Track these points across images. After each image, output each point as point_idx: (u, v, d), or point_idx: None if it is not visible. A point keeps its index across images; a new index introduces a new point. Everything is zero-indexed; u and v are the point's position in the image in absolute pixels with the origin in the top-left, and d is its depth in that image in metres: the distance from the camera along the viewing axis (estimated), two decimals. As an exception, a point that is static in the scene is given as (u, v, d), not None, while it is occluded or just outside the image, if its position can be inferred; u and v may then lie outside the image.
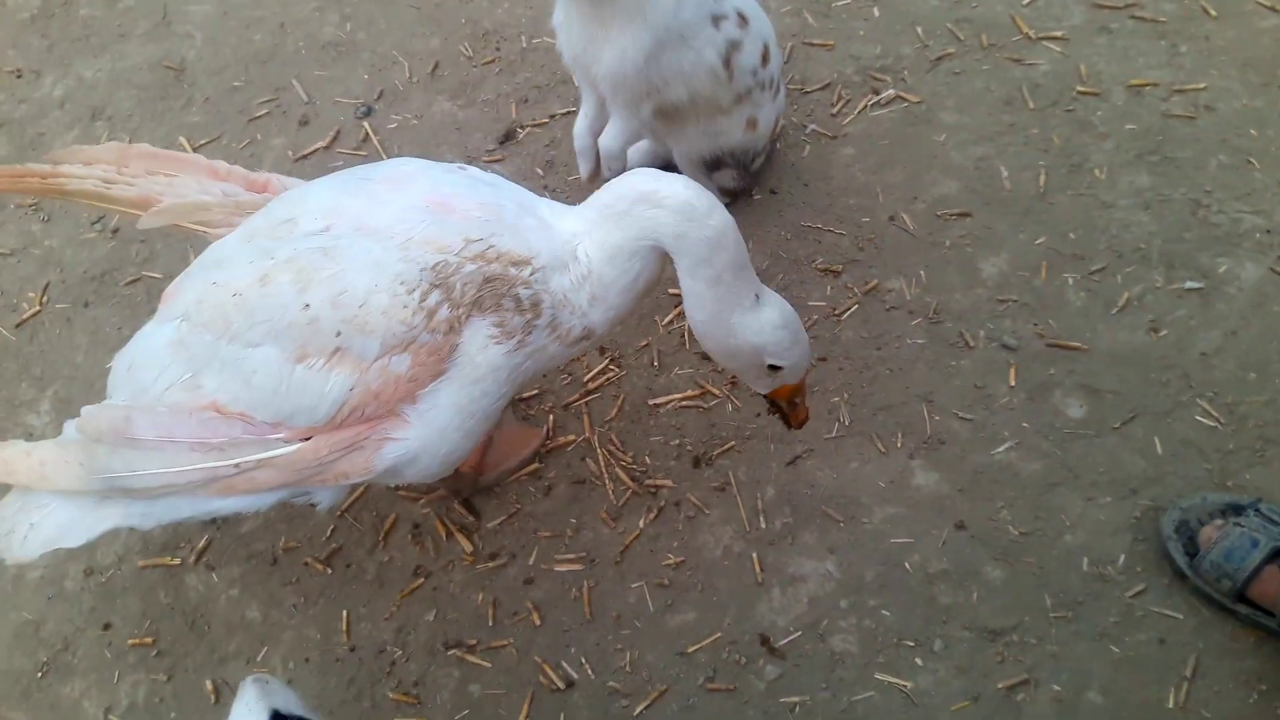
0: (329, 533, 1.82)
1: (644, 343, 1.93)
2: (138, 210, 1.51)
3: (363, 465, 1.34)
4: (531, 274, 1.30)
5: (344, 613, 1.74)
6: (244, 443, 1.32)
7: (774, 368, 1.39)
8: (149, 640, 1.76)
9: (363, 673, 1.70)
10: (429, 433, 1.34)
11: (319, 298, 1.26)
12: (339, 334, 1.26)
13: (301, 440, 1.33)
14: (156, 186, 1.53)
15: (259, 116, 2.38)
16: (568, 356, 1.41)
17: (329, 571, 1.79)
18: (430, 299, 1.26)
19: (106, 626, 1.78)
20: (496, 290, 1.28)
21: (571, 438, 1.86)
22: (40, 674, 1.76)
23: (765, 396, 1.50)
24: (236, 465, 1.32)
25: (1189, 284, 1.86)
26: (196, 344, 1.33)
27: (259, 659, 1.73)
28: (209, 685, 1.71)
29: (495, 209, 1.32)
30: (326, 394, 1.28)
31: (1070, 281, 1.89)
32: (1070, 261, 1.92)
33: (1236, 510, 1.60)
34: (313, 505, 1.44)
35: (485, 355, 1.30)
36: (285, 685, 1.29)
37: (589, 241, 1.34)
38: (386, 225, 1.30)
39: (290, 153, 2.29)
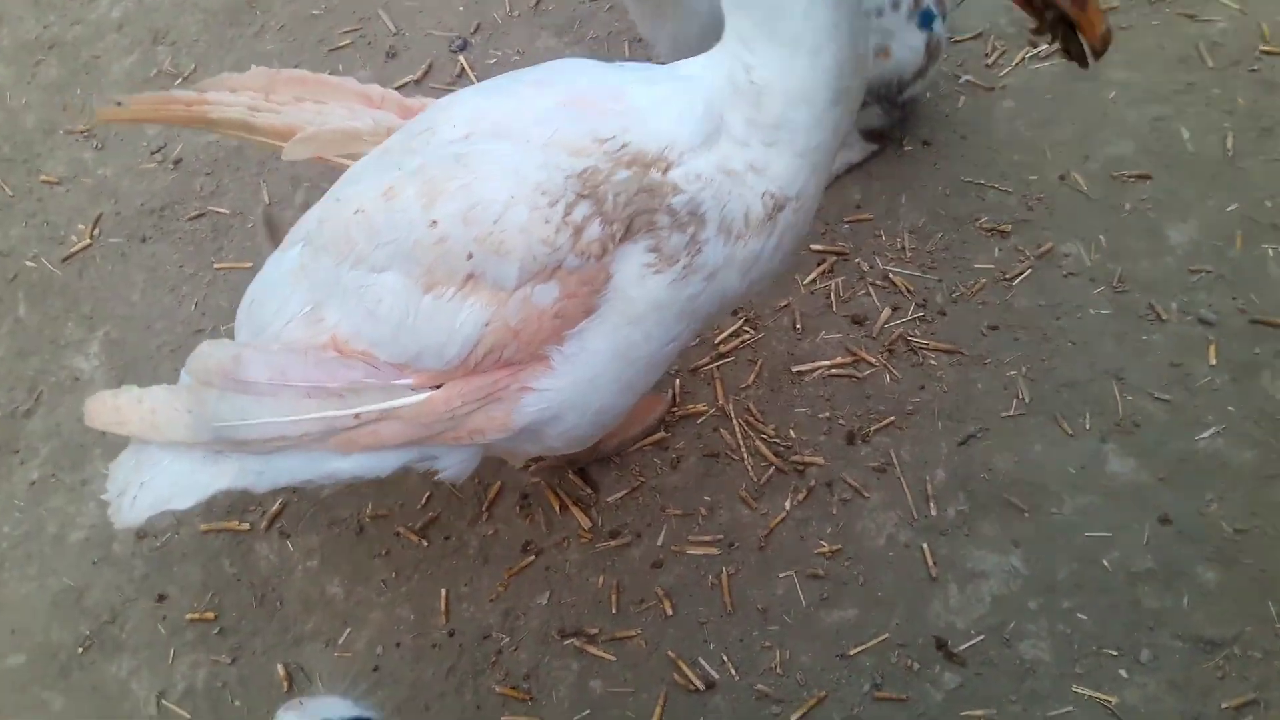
0: (424, 500, 1.59)
1: (783, 303, 1.71)
2: (282, 141, 1.33)
3: (500, 420, 1.15)
4: (675, 173, 1.06)
5: (442, 591, 1.51)
6: (366, 389, 1.14)
7: None
8: (211, 615, 1.53)
9: (464, 661, 1.46)
10: (578, 382, 1.13)
11: (448, 213, 1.07)
12: (471, 256, 1.07)
13: (431, 389, 1.14)
14: (304, 114, 1.35)
15: (341, 47, 2.17)
16: (777, 257, 1.15)
17: (425, 544, 1.56)
18: (577, 212, 1.05)
19: (161, 598, 1.55)
20: (647, 205, 1.06)
21: (703, 407, 1.63)
22: (81, 649, 1.52)
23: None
24: (357, 416, 1.14)
25: None
26: (317, 270, 1.17)
27: (340, 641, 1.49)
28: (280, 670, 1.47)
29: (625, 98, 1.10)
30: (457, 330, 1.09)
31: (1271, 253, 1.68)
32: (1269, 231, 1.71)
33: None
34: (435, 474, 1.24)
35: (643, 289, 1.09)
36: (321, 691, 1.11)
37: (735, 66, 1.04)
38: (525, 128, 1.10)
39: (377, 85, 2.09)
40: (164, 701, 1.47)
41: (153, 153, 2.03)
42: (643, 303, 1.10)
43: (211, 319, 1.81)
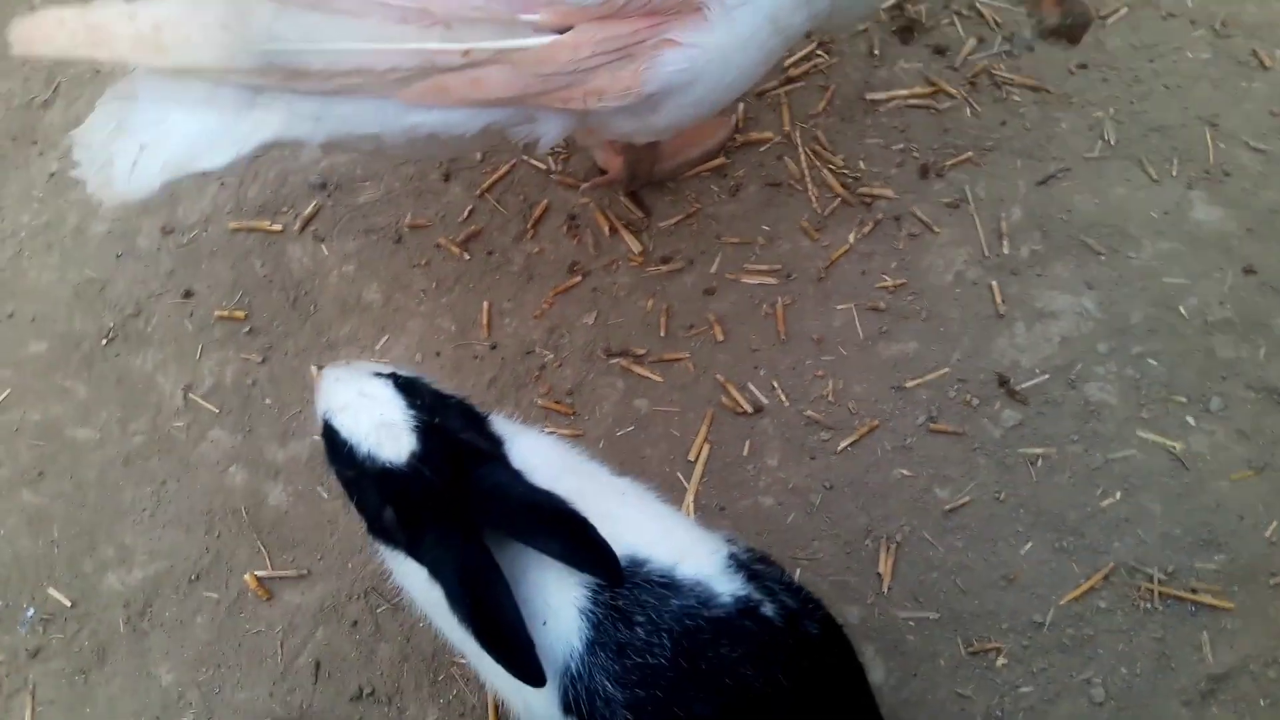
0: (466, 214, 1.52)
1: (862, 28, 1.62)
2: None
3: (626, 81, 1.03)
4: None
5: (485, 304, 1.47)
6: (482, 19, 0.97)
7: None
8: (240, 314, 1.49)
9: (506, 373, 1.44)
10: (728, 41, 1.03)
11: None
12: None
13: (559, 31, 1.00)
14: None
15: None
16: None
17: (466, 257, 1.50)
18: None
19: (188, 294, 1.51)
20: None
21: (767, 135, 1.55)
22: (105, 340, 1.49)
23: None
24: (466, 53, 0.98)
25: None
26: None
27: (377, 348, 1.46)
28: (314, 371, 1.44)
29: None
30: None
31: (1394, 7, 1.60)
32: (1393, -15, 1.61)
33: None
34: (549, 166, 1.12)
35: None
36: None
37: None
38: None
39: None
40: (191, 395, 1.45)
41: None
42: None
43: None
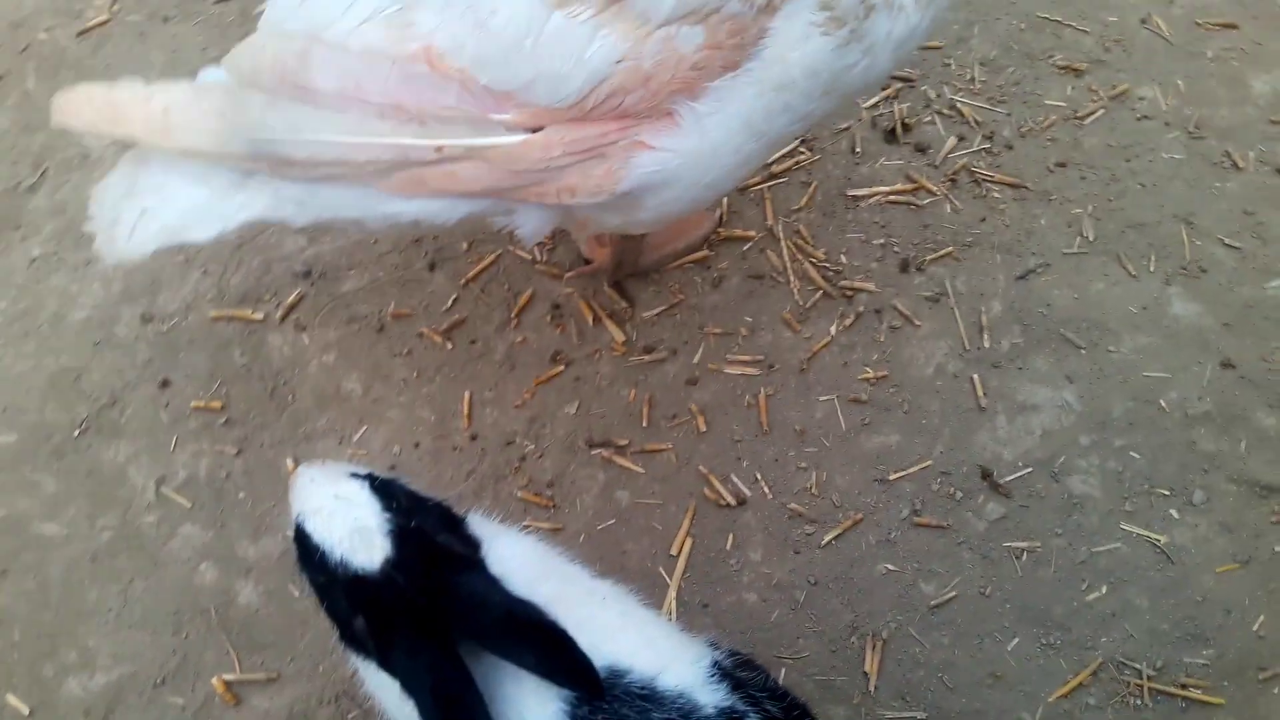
0: (450, 302, 1.54)
1: (844, 126, 1.66)
2: None
3: (599, 180, 1.04)
4: None
5: (465, 394, 1.47)
6: (455, 117, 1.01)
7: None
8: (217, 404, 1.48)
9: (485, 465, 1.43)
10: (701, 146, 1.04)
11: None
12: None
13: (531, 130, 1.02)
14: None
15: None
16: (913, 41, 1.09)
17: (449, 346, 1.51)
18: None
19: (164, 384, 1.50)
20: None
21: (751, 233, 1.58)
22: (78, 431, 1.47)
23: None
24: (439, 149, 1.01)
25: None
26: None
27: (355, 439, 1.45)
28: (290, 464, 1.43)
29: None
30: (585, 60, 0.97)
31: (1358, 108, 1.66)
32: (1357, 89, 1.68)
33: None
34: (534, 255, 1.14)
35: (803, 52, 1.00)
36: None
37: None
38: None
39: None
40: (163, 489, 1.43)
41: (174, -66, 1.94)
42: (798, 67, 1.02)
43: (226, 107, 1.73)
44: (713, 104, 1.01)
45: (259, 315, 1.53)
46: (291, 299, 1.54)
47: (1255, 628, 1.29)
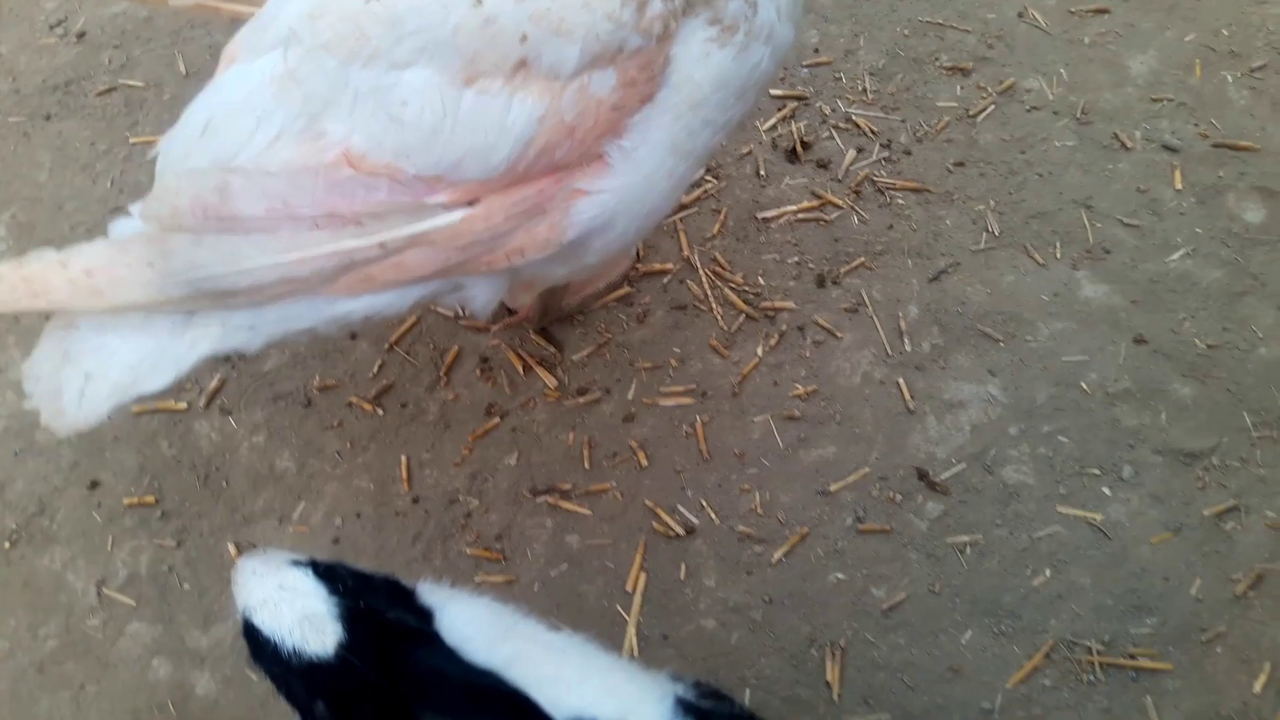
0: (377, 368, 1.56)
1: (745, 150, 1.72)
2: None
3: (545, 235, 1.07)
4: None
5: (403, 459, 1.49)
6: (389, 212, 1.02)
7: None
8: (150, 499, 1.48)
9: (431, 526, 1.45)
10: (635, 180, 1.08)
11: None
12: (525, 39, 0.98)
13: (466, 206, 1.04)
14: None
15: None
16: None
17: (380, 413, 1.53)
18: None
19: (94, 485, 1.50)
20: None
21: (669, 265, 1.63)
22: (9, 544, 1.46)
23: None
24: (381, 245, 1.03)
25: (1366, 79, 1.75)
26: (314, 74, 1.01)
27: (295, 516, 1.46)
28: (231, 550, 1.44)
29: None
30: (508, 127, 1.00)
31: (1229, 79, 1.75)
32: (1226, 59, 1.78)
33: None
34: (456, 312, 1.16)
35: (708, 68, 1.05)
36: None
37: None
38: None
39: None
40: (105, 590, 1.42)
41: (52, 26, 1.94)
42: (707, 83, 1.06)
43: (130, 195, 1.73)
44: (638, 137, 1.06)
45: (182, 405, 1.54)
46: (214, 384, 1.55)
47: (1193, 592, 1.36)
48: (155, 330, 1.08)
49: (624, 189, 1.06)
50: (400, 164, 1.00)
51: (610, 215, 1.08)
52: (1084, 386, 1.50)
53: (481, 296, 1.14)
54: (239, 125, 1.03)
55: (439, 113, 0.98)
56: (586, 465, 1.49)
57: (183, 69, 1.87)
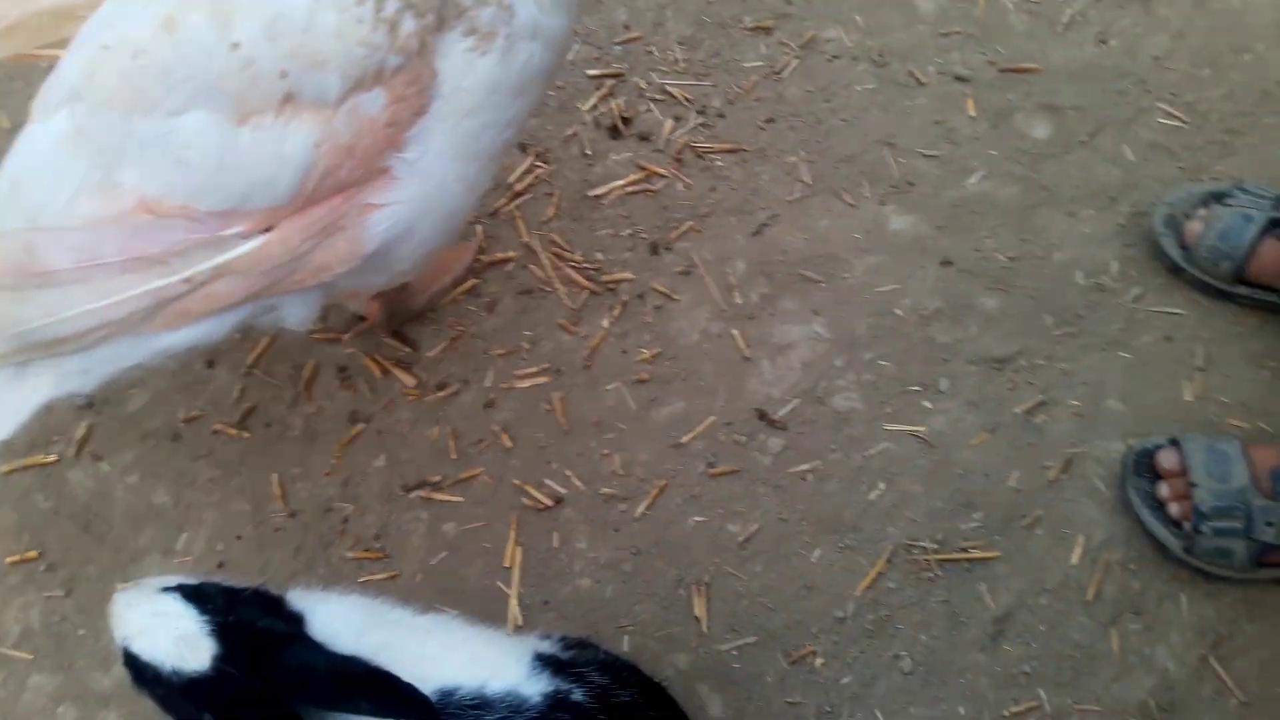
0: (238, 393, 1.64)
1: (570, 132, 1.83)
2: None
3: (346, 250, 1.15)
4: None
5: (274, 477, 1.58)
6: (191, 247, 1.10)
7: None
8: (33, 554, 1.54)
9: (310, 538, 1.55)
10: (425, 188, 1.16)
11: (248, 31, 1.04)
12: (285, 74, 1.05)
13: (263, 232, 1.12)
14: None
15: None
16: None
17: (246, 436, 1.61)
18: (388, 7, 1.06)
19: (-26, 549, 1.57)
20: None
21: (511, 253, 1.73)
22: (-104, 621, 1.53)
23: None
24: (188, 280, 1.10)
25: (1128, -8, 1.93)
26: (100, 129, 1.08)
27: (178, 547, 1.54)
28: (121, 589, 1.52)
29: None
30: (287, 157, 1.07)
31: (1010, 6, 1.91)
32: (1005, -12, 1.94)
33: (1220, 197, 1.66)
34: (276, 331, 1.25)
35: (475, 76, 1.13)
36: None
37: None
38: None
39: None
40: (1, 650, 1.50)
41: None
42: (478, 89, 1.14)
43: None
44: (419, 148, 1.14)
45: (52, 457, 1.60)
46: (81, 433, 1.61)
47: (1012, 483, 1.53)
48: None
49: (416, 198, 1.15)
50: (193, 203, 1.07)
51: (408, 224, 1.17)
52: (899, 312, 1.66)
53: (296, 314, 1.23)
54: (40, 185, 1.10)
55: (220, 152, 1.06)
56: (454, 455, 1.59)
57: (6, 123, 1.90)
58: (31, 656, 1.49)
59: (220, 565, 1.53)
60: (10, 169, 1.14)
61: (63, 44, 1.25)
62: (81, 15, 1.26)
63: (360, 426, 1.62)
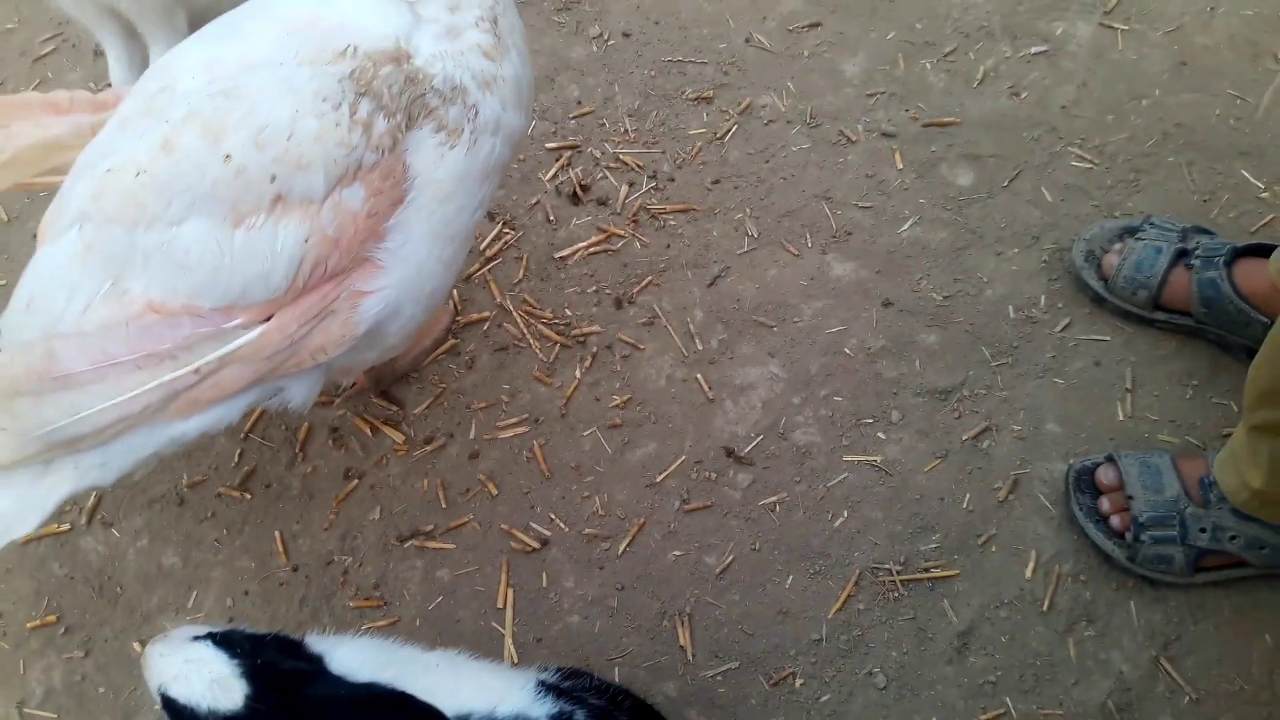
0: (238, 457, 1.77)
1: (534, 200, 1.99)
2: None
3: (339, 333, 1.28)
4: (419, 61, 1.26)
5: (276, 534, 1.70)
6: (197, 341, 1.21)
7: None
8: (52, 619, 1.65)
9: (313, 590, 1.67)
10: (408, 272, 1.29)
11: (238, 143, 1.17)
12: (274, 178, 1.18)
13: (263, 322, 1.24)
14: None
15: (45, 55, 2.26)
16: (527, 81, 1.39)
17: (248, 497, 1.74)
18: (362, 109, 1.21)
19: (-6, 618, 1.66)
20: (416, 93, 1.25)
21: (486, 314, 1.88)
22: (-78, 690, 1.62)
23: None
24: (197, 371, 1.22)
25: (1034, 49, 2.12)
26: (107, 244, 1.20)
27: (189, 605, 1.66)
28: (136, 648, 1.62)
29: (330, 14, 1.26)
30: (279, 254, 1.20)
31: (928, 66, 2.11)
32: (924, 49, 2.13)
33: (1132, 231, 1.84)
34: (285, 408, 1.36)
35: (445, 168, 1.27)
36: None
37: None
38: (268, 57, 1.23)
39: (92, 85, 2.19)
40: (26, 709, 1.59)
41: None
42: (449, 179, 1.28)
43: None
44: (399, 237, 1.28)
45: (65, 526, 1.71)
46: (91, 502, 1.73)
47: (965, 505, 1.69)
48: (15, 483, 1.25)
49: (401, 281, 1.29)
50: (196, 302, 1.20)
51: (394, 304, 1.30)
52: (848, 351, 1.82)
53: (300, 394, 1.35)
54: (55, 298, 1.22)
55: (217, 254, 1.18)
56: (443, 505, 1.73)
57: (3, 215, 2.03)
58: (55, 716, 1.59)
59: (230, 620, 1.64)
60: (25, 288, 1.26)
61: (55, 172, 1.39)
62: (71, 145, 1.38)
63: (354, 482, 1.74)
